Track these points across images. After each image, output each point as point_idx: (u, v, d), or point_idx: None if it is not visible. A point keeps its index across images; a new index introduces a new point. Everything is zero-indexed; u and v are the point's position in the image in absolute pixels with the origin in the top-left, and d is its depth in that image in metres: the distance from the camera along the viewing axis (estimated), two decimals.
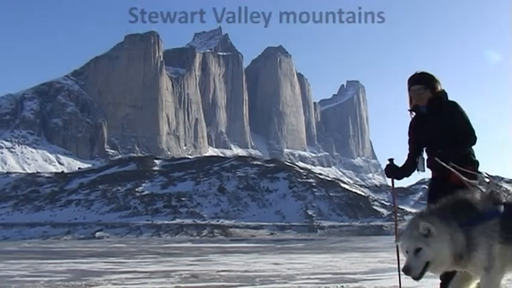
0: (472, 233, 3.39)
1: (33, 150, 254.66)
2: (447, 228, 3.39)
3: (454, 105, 4.81)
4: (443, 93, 4.92)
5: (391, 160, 5.00)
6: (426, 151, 4.88)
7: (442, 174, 4.57)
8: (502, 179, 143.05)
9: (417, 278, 3.42)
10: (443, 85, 4.98)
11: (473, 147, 4.83)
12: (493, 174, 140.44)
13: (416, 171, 4.92)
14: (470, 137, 4.67)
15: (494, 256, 3.40)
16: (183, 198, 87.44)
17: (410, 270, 3.39)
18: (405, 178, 5.19)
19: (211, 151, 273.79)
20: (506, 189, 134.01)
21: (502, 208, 3.48)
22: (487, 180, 4.72)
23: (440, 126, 4.74)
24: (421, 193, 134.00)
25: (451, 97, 4.92)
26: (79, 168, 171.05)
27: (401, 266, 3.59)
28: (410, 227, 3.52)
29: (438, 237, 3.36)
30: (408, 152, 5.04)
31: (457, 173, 4.38)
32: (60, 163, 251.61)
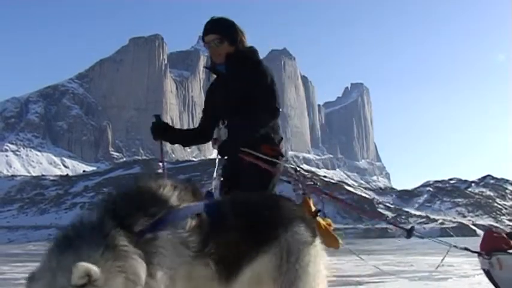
0: (152, 244, 2.03)
1: (38, 153, 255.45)
2: (119, 260, 1.93)
3: (257, 64, 3.69)
4: (250, 50, 3.79)
5: (157, 117, 3.86)
6: (221, 122, 3.75)
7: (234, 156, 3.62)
8: (507, 181, 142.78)
9: None
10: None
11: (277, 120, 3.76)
12: (498, 176, 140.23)
13: (212, 146, 3.73)
14: (270, 108, 3.58)
15: (177, 284, 2.07)
16: None
17: None
18: (185, 146, 4.09)
19: (215, 154, 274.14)
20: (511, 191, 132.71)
21: (201, 206, 2.21)
22: (292, 166, 3.97)
23: (236, 90, 3.63)
24: (425, 195, 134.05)
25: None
26: (84, 171, 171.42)
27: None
28: (49, 270, 1.89)
29: (107, 285, 1.86)
30: (200, 120, 3.95)
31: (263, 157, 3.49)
32: (65, 166, 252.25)
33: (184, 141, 3.96)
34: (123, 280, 1.89)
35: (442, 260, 5.57)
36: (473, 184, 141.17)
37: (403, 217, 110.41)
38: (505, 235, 6.39)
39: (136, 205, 2.07)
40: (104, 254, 1.89)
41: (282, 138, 3.79)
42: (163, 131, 3.78)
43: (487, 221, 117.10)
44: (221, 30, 3.70)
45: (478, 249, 6.28)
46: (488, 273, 6.23)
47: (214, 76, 3.92)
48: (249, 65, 3.66)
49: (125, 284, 1.89)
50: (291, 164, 4.02)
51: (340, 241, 3.71)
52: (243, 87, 3.60)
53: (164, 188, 2.17)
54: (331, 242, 3.55)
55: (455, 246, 5.66)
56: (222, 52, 3.69)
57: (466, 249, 5.94)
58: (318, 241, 2.44)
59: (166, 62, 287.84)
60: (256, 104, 3.54)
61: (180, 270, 2.06)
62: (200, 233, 2.11)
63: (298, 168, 4.07)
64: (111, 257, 1.90)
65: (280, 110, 3.68)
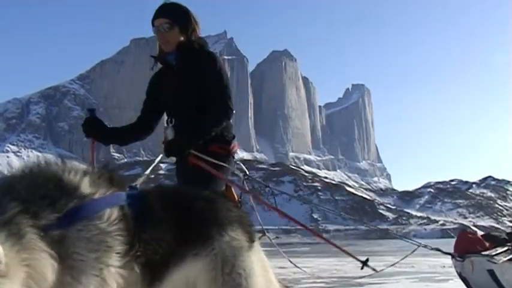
0: (64, 243, 1.58)
1: (39, 154, 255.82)
2: (25, 252, 1.51)
3: (212, 58, 3.33)
4: (202, 41, 3.44)
5: (91, 111, 3.43)
6: (167, 121, 3.43)
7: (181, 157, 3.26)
8: (508, 182, 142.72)
9: None
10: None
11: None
12: (499, 177, 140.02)
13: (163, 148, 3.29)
14: (224, 110, 3.25)
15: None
16: None
17: None
18: (121, 144, 3.59)
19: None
20: None
21: (122, 196, 1.77)
22: (243, 171, 3.64)
23: (189, 86, 3.32)
24: (426, 196, 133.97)
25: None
26: None
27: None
28: None
29: (6, 278, 1.45)
30: (140, 112, 3.61)
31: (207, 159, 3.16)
32: None
33: (121, 140, 3.59)
34: (25, 276, 1.49)
35: (403, 258, 5.36)
36: (474, 185, 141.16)
37: (404, 218, 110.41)
38: (480, 236, 6.11)
39: (40, 193, 1.61)
40: (9, 239, 1.48)
41: (234, 137, 3.48)
42: (96, 129, 3.41)
43: (488, 222, 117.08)
44: (172, 14, 3.37)
45: (452, 251, 5.97)
46: (462, 276, 5.92)
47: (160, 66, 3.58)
48: (203, 59, 3.33)
49: (25, 282, 1.49)
50: (241, 165, 3.72)
51: None
52: (196, 84, 3.30)
53: (70, 173, 1.71)
54: None
55: (424, 246, 5.45)
56: (171, 39, 3.36)
57: (438, 250, 5.67)
58: (256, 246, 2.09)
59: None
60: (209, 104, 3.25)
61: (109, 273, 1.62)
62: (123, 228, 1.68)
63: (247, 172, 3.71)
64: (16, 245, 1.48)
65: (234, 111, 3.36)
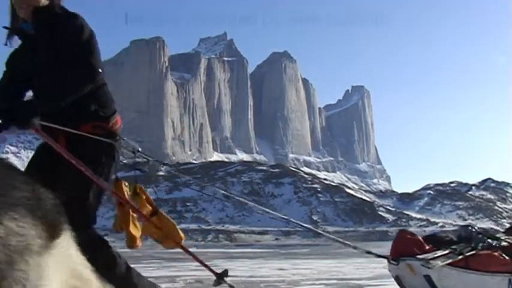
0: None
1: None
2: None
3: (73, 19, 2.72)
4: (66, 11, 2.78)
5: None
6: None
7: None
8: (507, 184, 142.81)
9: None
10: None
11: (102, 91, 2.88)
12: (499, 179, 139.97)
13: None
14: (83, 65, 2.66)
15: None
16: (188, 203, 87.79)
17: None
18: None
19: (216, 156, 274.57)
20: None
21: None
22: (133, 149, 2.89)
23: (47, 54, 2.70)
24: (426, 198, 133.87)
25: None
26: None
27: None
28: None
29: None
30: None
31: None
32: None
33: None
34: None
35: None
36: (473, 187, 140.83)
37: (403, 220, 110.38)
38: (421, 238, 5.61)
39: None
40: None
41: (114, 112, 2.99)
42: None
43: (487, 224, 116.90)
44: None
45: (388, 253, 5.54)
46: (398, 280, 5.44)
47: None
48: (62, 22, 2.71)
49: None
50: (125, 143, 2.91)
51: (182, 235, 3.25)
52: (55, 49, 2.69)
53: None
54: (178, 235, 3.14)
55: (354, 247, 5.14)
56: (31, 1, 2.69)
57: (369, 252, 5.29)
58: (61, 245, 1.24)
59: (167, 64, 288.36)
60: (65, 62, 2.64)
61: None
62: None
63: (139, 149, 3.03)
64: None
65: (100, 70, 2.78)
